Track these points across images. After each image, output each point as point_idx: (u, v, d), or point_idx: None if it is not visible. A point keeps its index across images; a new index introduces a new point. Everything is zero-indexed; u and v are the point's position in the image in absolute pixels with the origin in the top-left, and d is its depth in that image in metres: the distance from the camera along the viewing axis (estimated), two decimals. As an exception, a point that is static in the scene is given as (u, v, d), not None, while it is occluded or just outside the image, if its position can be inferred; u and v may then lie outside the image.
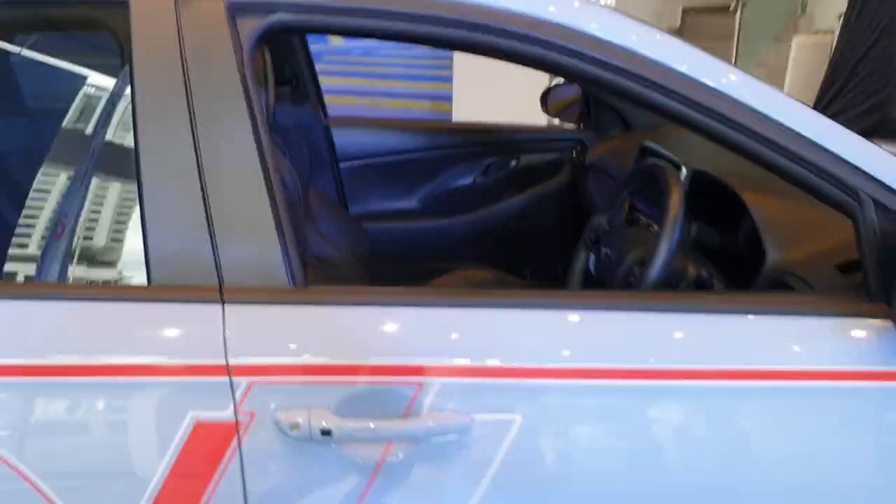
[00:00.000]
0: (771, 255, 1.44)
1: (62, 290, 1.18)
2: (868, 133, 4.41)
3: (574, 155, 2.65)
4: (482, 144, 2.71)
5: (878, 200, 1.19)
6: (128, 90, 1.15)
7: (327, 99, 2.65)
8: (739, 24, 6.63)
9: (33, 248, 1.29)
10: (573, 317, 1.16)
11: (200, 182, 1.11)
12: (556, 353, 1.13)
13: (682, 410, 1.16)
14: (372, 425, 1.09)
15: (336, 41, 4.62)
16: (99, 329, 1.09)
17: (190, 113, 1.12)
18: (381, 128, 2.74)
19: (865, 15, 4.44)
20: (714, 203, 1.69)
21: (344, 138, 2.66)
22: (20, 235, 1.29)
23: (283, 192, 1.14)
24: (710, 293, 1.45)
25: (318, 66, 2.58)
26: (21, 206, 1.31)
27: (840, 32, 4.68)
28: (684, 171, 1.80)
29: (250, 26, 1.16)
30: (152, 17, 1.14)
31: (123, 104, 1.25)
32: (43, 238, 1.29)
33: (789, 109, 1.21)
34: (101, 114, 1.38)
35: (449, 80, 4.93)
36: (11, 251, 1.27)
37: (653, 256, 1.39)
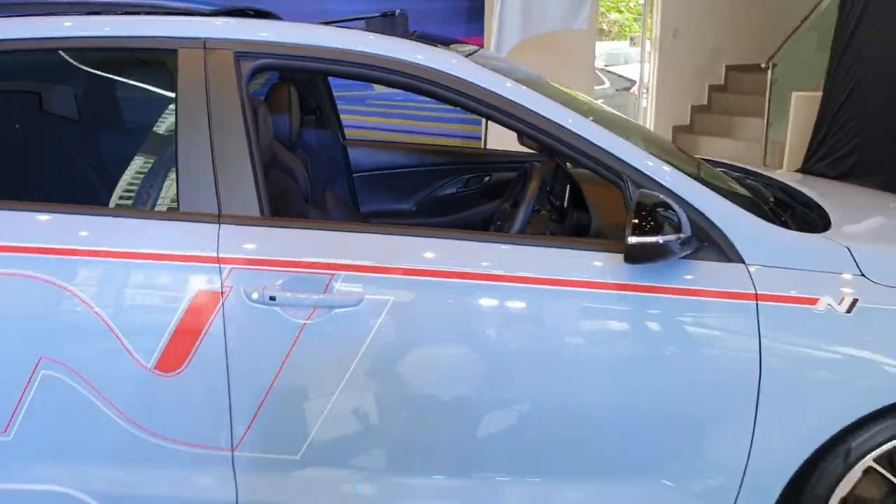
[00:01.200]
0: (594, 222, 2.15)
1: (159, 215, 1.97)
2: (846, 175, 5.03)
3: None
4: (464, 163, 3.46)
5: (634, 179, 1.90)
6: (173, 104, 1.96)
7: (368, 134, 3.44)
8: (770, 80, 7.22)
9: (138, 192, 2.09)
10: (434, 241, 1.90)
11: (212, 157, 1.90)
12: (419, 259, 1.86)
13: (504, 299, 1.87)
14: (301, 296, 1.84)
15: (379, 88, 5.45)
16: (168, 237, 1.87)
17: (209, 115, 1.92)
18: (387, 148, 3.53)
19: (839, 75, 5.05)
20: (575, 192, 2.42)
21: (359, 155, 3.45)
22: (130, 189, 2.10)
23: (273, 169, 1.92)
24: (533, 235, 2.15)
25: (361, 108, 3.38)
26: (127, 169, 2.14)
27: (823, 89, 5.29)
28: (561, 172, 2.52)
29: (246, 66, 1.96)
30: (190, 60, 1.95)
31: (173, 111, 2.05)
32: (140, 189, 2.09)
33: (580, 123, 1.94)
34: (163, 117, 2.20)
35: (478, 122, 5.71)
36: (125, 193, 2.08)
37: (514, 219, 2.12)
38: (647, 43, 9.14)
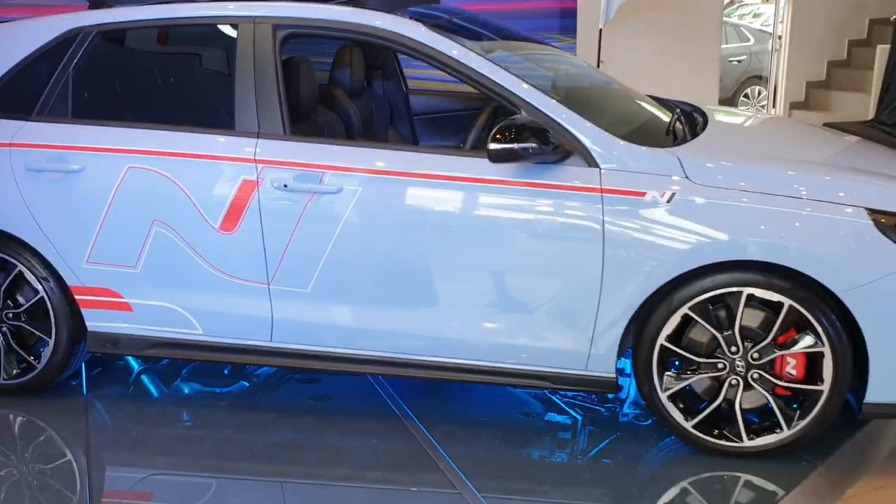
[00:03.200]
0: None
1: (226, 132, 3.10)
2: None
3: None
4: (502, 107, 4.37)
5: (526, 109, 2.77)
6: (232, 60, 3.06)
7: (436, 86, 4.38)
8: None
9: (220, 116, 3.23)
10: (387, 152, 2.89)
11: (255, 96, 2.98)
12: (373, 163, 2.86)
13: (420, 189, 2.84)
14: (304, 185, 2.90)
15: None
16: (229, 145, 3.00)
17: (254, 67, 3.00)
18: (442, 96, 4.49)
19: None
20: None
21: (418, 102, 4.44)
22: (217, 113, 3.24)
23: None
24: (452, 148, 3.02)
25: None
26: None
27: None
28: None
29: (280, 34, 3.01)
30: (245, 30, 3.03)
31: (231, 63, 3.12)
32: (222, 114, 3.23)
33: (493, 70, 2.83)
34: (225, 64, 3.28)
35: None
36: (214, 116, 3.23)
37: (466, 140, 3.06)
38: (781, -1, 9.32)
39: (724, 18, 12.94)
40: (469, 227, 2.84)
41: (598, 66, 7.07)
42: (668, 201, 2.68)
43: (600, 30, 6.92)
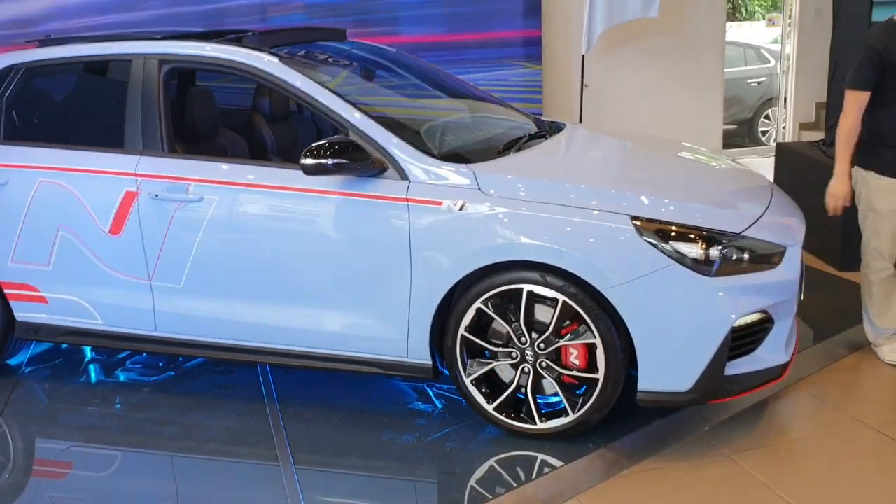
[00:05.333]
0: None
1: (115, 150, 3.65)
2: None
3: None
4: None
5: (351, 130, 3.21)
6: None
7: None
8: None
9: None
10: (238, 166, 3.38)
11: (142, 118, 3.51)
12: (224, 176, 3.34)
13: (256, 197, 3.30)
14: (172, 195, 3.39)
15: (444, 74, 6.78)
16: (116, 161, 3.54)
17: (143, 96, 3.52)
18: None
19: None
20: None
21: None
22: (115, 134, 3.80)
23: None
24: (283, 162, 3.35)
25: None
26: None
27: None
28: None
29: (165, 68, 3.53)
30: (138, 65, 3.55)
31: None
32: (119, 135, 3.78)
33: (327, 97, 3.27)
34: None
35: (538, 100, 6.87)
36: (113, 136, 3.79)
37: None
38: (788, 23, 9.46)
39: (745, 41, 13.07)
40: (302, 232, 3.28)
41: (582, 91, 7.43)
42: (461, 209, 3.06)
43: (583, 56, 7.26)
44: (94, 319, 3.68)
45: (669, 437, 3.20)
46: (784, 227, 3.20)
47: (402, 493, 2.98)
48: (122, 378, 4.02)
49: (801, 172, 5.50)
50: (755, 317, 3.00)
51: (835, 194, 3.64)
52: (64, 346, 4.23)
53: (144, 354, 4.10)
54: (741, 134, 11.24)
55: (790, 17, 9.35)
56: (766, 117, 11.30)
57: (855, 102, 3.58)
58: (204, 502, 2.99)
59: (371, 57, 4.29)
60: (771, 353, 3.10)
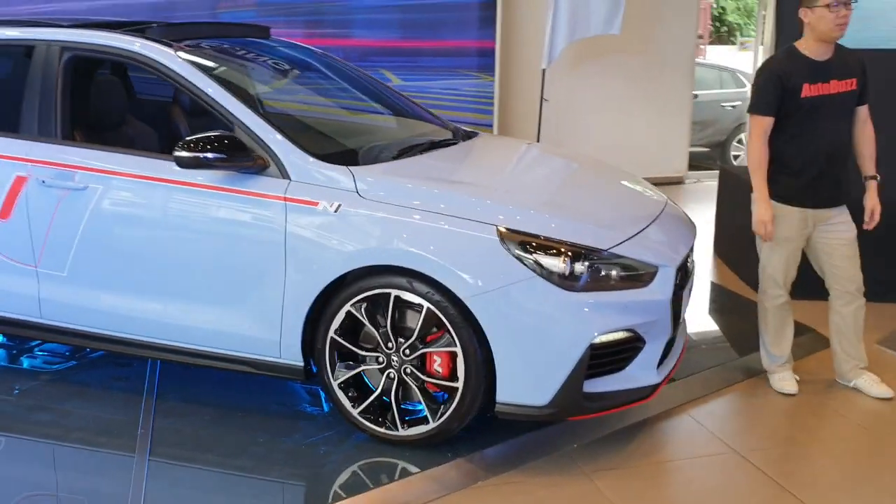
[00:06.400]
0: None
1: (12, 135, 3.65)
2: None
3: None
4: None
5: (239, 127, 3.21)
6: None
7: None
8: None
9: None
10: (118, 155, 3.37)
11: (38, 105, 3.51)
12: (109, 165, 3.34)
13: (128, 187, 3.29)
14: (59, 182, 3.39)
15: (396, 80, 6.81)
16: (12, 146, 3.54)
17: (42, 82, 3.52)
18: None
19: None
20: None
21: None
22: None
23: None
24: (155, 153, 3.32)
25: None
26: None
27: None
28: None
29: (66, 55, 3.54)
30: (41, 51, 3.55)
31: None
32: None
33: (220, 94, 3.26)
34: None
35: (489, 112, 6.88)
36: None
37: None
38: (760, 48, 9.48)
39: (724, 64, 13.09)
40: (178, 225, 3.27)
41: (542, 105, 7.44)
42: (336, 211, 3.05)
43: (543, 70, 7.27)
44: (-12, 304, 3.67)
45: (535, 452, 3.18)
46: (661, 246, 3.18)
47: (246, 490, 2.95)
48: (25, 365, 4.01)
49: (735, 195, 5.50)
50: (620, 335, 2.98)
51: (762, 220, 3.58)
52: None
53: (54, 343, 4.08)
54: (713, 157, 11.26)
55: (762, 41, 9.36)
56: (739, 141, 11.32)
57: (759, 127, 3.57)
58: (50, 488, 2.97)
59: (292, 54, 4.29)
60: (640, 372, 3.09)
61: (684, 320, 3.72)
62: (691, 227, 3.56)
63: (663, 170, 8.81)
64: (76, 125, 3.57)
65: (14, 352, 4.10)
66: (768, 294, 3.73)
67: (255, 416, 3.43)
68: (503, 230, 2.91)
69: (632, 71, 8.45)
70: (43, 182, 3.42)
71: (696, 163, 9.66)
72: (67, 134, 3.51)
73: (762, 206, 3.56)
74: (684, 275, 3.32)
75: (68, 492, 2.96)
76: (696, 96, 9.58)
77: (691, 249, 3.46)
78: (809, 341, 4.26)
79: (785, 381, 3.75)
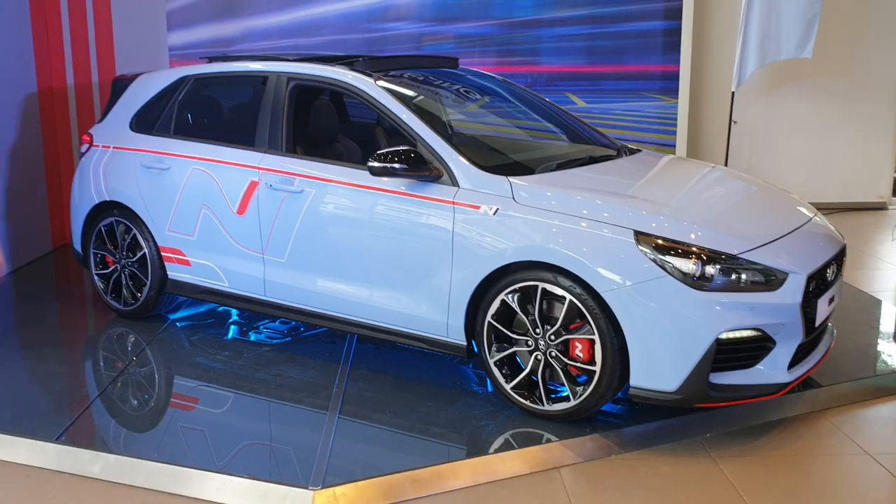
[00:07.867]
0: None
1: (248, 147, 4.53)
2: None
3: None
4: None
5: (419, 141, 3.86)
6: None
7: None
8: None
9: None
10: (328, 165, 4.12)
11: (269, 122, 4.36)
12: (317, 172, 4.09)
13: (340, 192, 4.01)
14: (283, 185, 4.20)
15: (580, 103, 7.23)
16: (246, 156, 4.41)
17: (273, 105, 4.38)
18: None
19: None
20: None
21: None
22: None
23: None
24: (355, 164, 3.99)
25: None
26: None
27: None
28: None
29: (291, 84, 4.36)
30: (272, 81, 4.41)
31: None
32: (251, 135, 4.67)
33: (412, 119, 3.93)
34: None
35: (672, 132, 7.16)
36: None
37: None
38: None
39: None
40: (368, 222, 3.95)
41: (730, 127, 7.61)
42: (494, 214, 3.60)
43: (732, 92, 7.46)
44: (221, 282, 4.56)
45: (669, 436, 3.52)
46: (794, 255, 3.43)
47: (408, 446, 3.51)
48: (252, 338, 4.88)
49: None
50: (748, 333, 3.28)
51: None
52: (207, 306, 5.19)
53: (277, 322, 4.93)
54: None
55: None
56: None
57: None
58: (257, 436, 3.68)
59: (475, 81, 4.91)
60: (769, 369, 3.36)
61: (831, 329, 3.90)
62: (834, 241, 3.75)
63: (865, 195, 8.53)
64: (298, 141, 4.38)
65: (244, 328, 4.98)
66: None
67: (427, 388, 4.02)
68: (639, 233, 3.31)
69: (831, 92, 8.30)
70: (270, 186, 4.24)
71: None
72: (290, 148, 4.33)
73: None
74: (822, 284, 3.52)
75: (274, 441, 3.64)
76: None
77: (834, 261, 3.65)
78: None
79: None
